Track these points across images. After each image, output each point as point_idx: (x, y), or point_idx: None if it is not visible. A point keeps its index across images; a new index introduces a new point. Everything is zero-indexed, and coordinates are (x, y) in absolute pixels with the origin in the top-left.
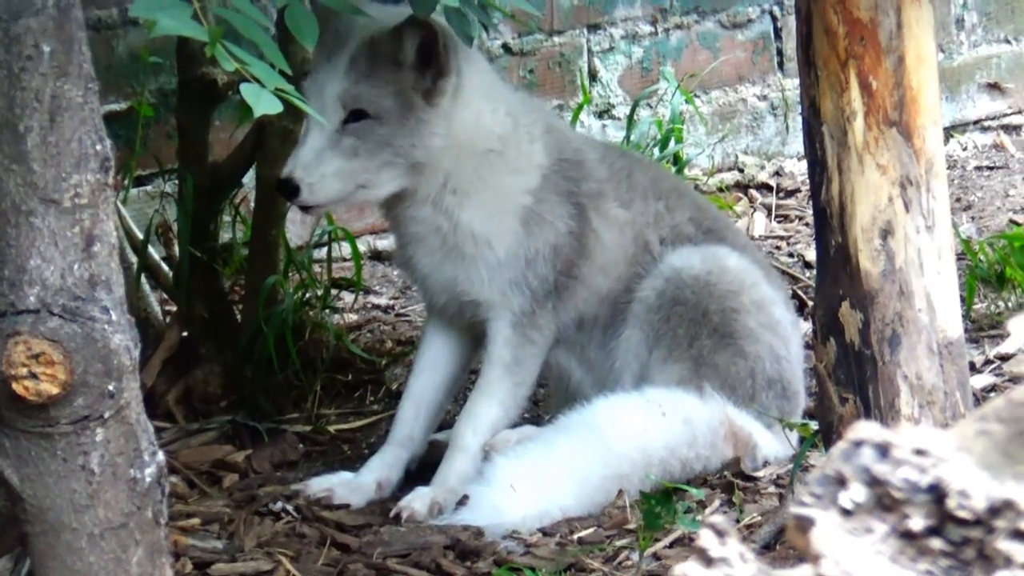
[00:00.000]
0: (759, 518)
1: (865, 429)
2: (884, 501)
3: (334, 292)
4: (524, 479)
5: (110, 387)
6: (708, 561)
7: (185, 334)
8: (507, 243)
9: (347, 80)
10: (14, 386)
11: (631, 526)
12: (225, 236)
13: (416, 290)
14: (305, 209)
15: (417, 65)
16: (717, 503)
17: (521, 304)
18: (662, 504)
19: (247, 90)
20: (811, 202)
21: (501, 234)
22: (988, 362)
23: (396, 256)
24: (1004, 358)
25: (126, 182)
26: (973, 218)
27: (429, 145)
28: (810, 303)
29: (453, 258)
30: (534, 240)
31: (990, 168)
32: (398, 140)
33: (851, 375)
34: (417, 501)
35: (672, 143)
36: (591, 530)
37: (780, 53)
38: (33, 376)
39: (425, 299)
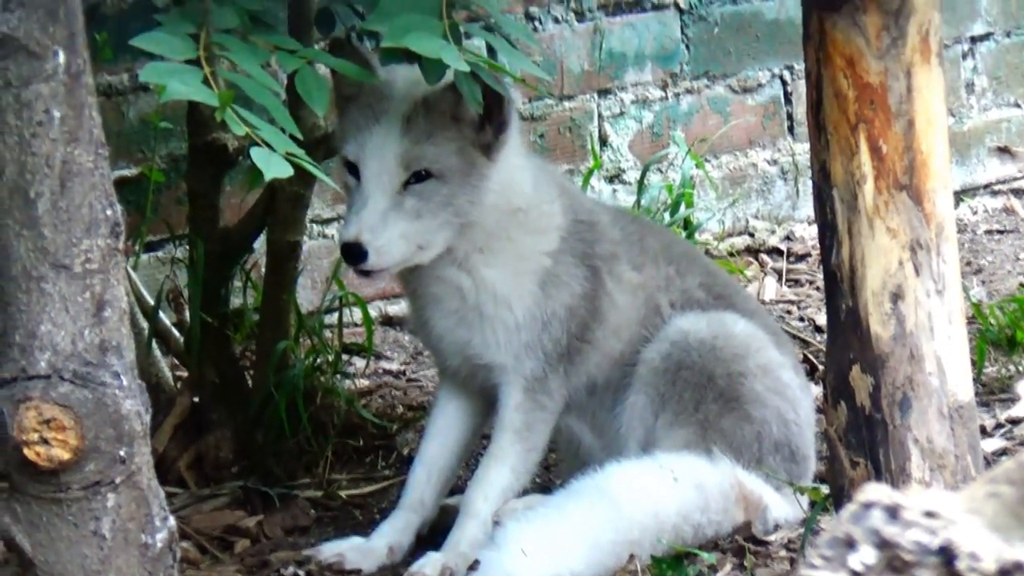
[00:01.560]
0: None
1: (875, 491)
2: (894, 563)
3: (345, 357)
4: (535, 544)
5: (121, 452)
6: None
7: (196, 399)
8: (526, 304)
9: (407, 141)
10: (26, 451)
11: None
12: (236, 301)
13: (428, 354)
14: (367, 274)
15: (477, 120)
16: (729, 567)
17: (533, 368)
18: (674, 569)
19: (257, 154)
20: (821, 266)
21: (521, 295)
22: (999, 426)
23: (409, 320)
24: (1015, 421)
25: (137, 247)
26: (983, 282)
27: (484, 202)
28: (821, 367)
29: (470, 320)
30: (551, 302)
31: (1000, 232)
32: (459, 199)
33: (862, 439)
34: (428, 566)
35: (683, 208)
36: None
37: (790, 117)
38: (44, 442)
39: (438, 363)
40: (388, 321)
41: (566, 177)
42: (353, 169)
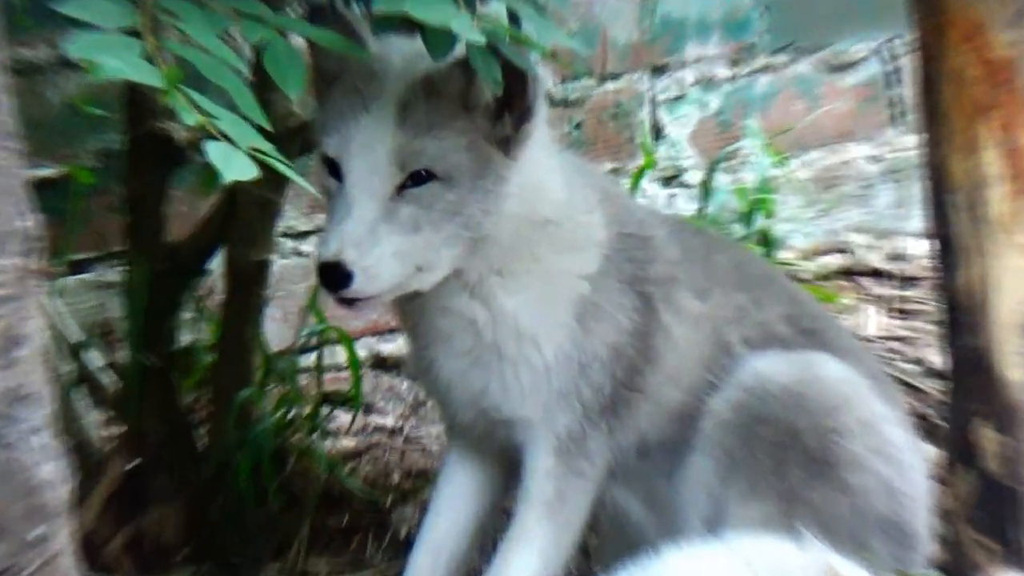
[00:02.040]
0: None
1: None
2: None
3: (326, 410)
4: None
5: (36, 532)
6: None
7: (134, 463)
8: (558, 342)
9: (403, 133)
10: None
11: None
12: (185, 337)
13: (433, 406)
14: (352, 303)
15: (494, 107)
16: None
17: (568, 424)
18: None
19: (214, 150)
20: (938, 293)
21: (551, 330)
22: None
23: (409, 362)
24: None
25: (59, 267)
26: None
27: (502, 211)
28: (938, 422)
29: (486, 362)
30: (591, 339)
31: None
32: (469, 207)
33: (990, 513)
34: None
35: (759, 218)
36: None
37: (896, 103)
38: None
39: (446, 418)
40: (381, 363)
41: (610, 179)
42: (335, 169)
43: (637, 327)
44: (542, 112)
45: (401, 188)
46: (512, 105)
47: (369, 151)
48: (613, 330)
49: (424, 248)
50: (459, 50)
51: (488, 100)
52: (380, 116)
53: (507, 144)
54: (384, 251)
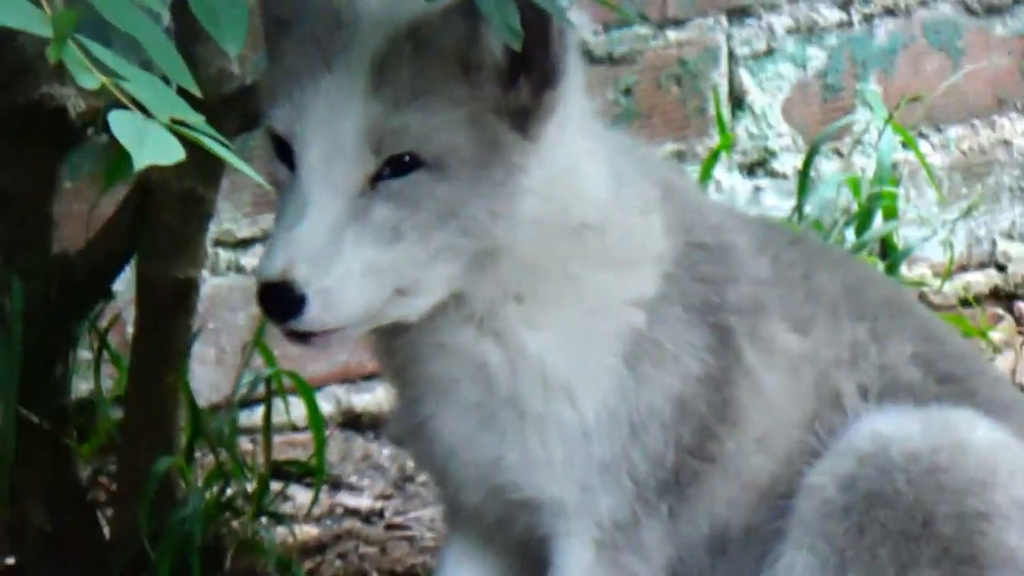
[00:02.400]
0: None
1: None
2: None
3: (277, 486)
4: None
5: None
6: None
7: (11, 561)
8: (600, 395)
9: (378, 103)
10: None
11: None
12: (82, 386)
13: (427, 482)
14: (306, 338)
15: (506, 67)
16: None
17: (614, 508)
18: None
19: (121, 123)
20: None
21: (592, 379)
22: None
23: (394, 420)
24: None
25: None
26: None
27: (517, 213)
28: None
29: (501, 421)
30: (646, 390)
31: None
32: (471, 206)
33: None
34: None
35: (878, 220)
36: None
37: None
38: None
39: (444, 498)
40: (353, 422)
41: (674, 167)
42: (286, 152)
43: (711, 373)
44: (575, 74)
45: (375, 179)
46: (531, 64)
47: (331, 127)
48: (678, 377)
49: (407, 263)
50: None
51: (498, 58)
52: (347, 78)
53: (524, 119)
54: (350, 266)
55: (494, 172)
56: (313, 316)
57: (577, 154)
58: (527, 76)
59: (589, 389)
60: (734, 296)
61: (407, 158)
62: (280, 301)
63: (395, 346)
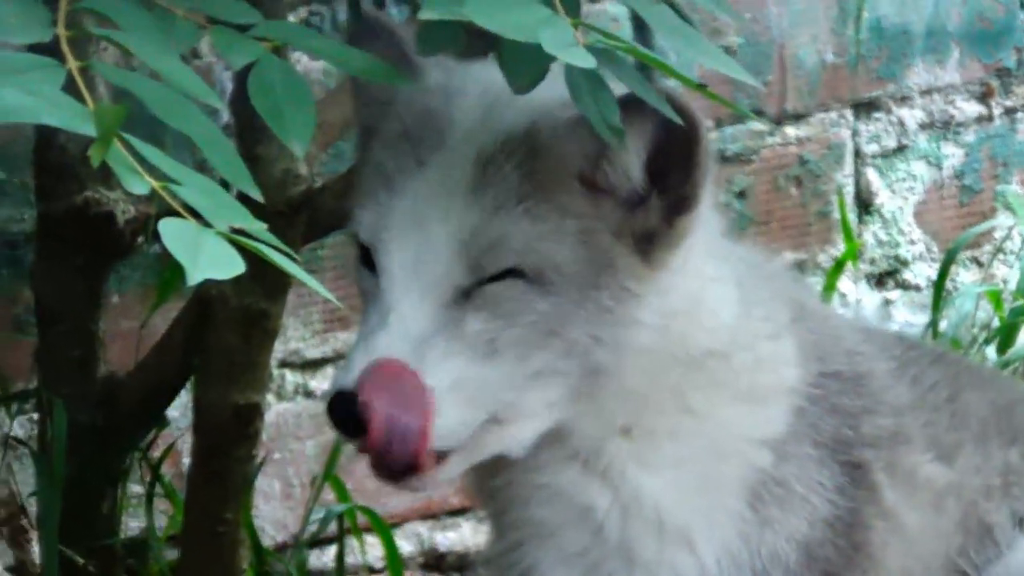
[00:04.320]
0: None
1: None
2: None
3: None
4: None
5: None
6: None
7: None
8: (721, 539)
9: (477, 205)
10: None
11: None
12: (132, 523)
13: None
14: (397, 475)
15: (639, 188)
16: None
17: None
18: None
19: (174, 233)
20: None
21: (712, 523)
22: None
23: (490, 564)
24: None
25: None
26: None
27: (625, 342)
28: None
29: (610, 571)
30: (769, 535)
31: None
32: (575, 327)
33: None
34: None
35: (1023, 335)
36: None
37: None
38: None
39: None
40: (437, 564)
41: (804, 285)
42: (370, 258)
43: (841, 515)
44: (709, 192)
45: (470, 291)
46: (667, 184)
47: (421, 228)
48: (805, 520)
49: (503, 382)
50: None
51: (633, 179)
52: (443, 177)
53: (649, 243)
54: (439, 380)
55: (602, 295)
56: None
57: (702, 280)
58: (660, 197)
59: (709, 533)
60: (870, 428)
61: (509, 270)
62: (352, 413)
63: (494, 487)
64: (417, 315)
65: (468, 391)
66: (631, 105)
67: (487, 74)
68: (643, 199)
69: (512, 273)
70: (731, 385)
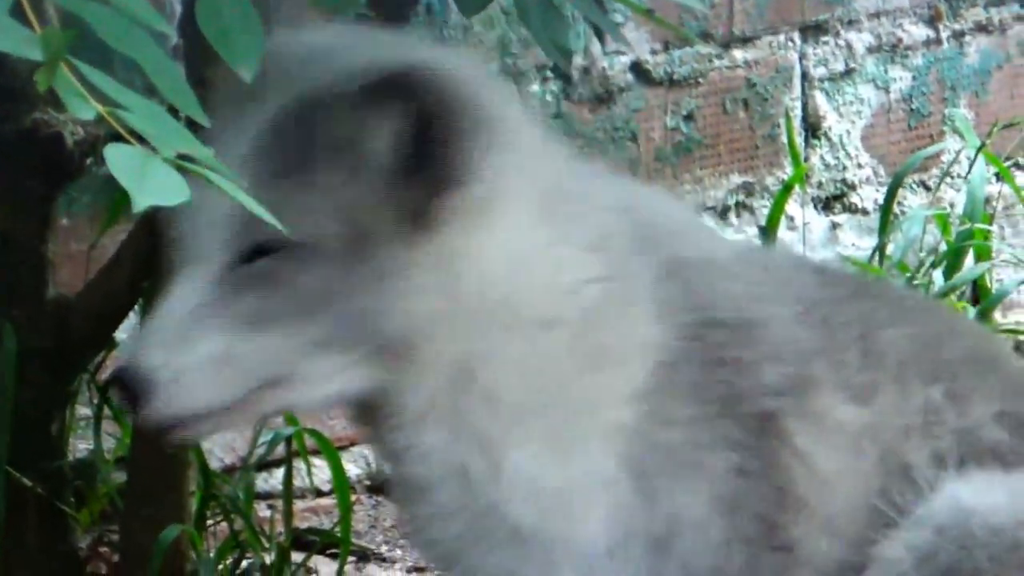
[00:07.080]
0: None
1: None
2: None
3: (297, 557)
4: None
5: None
6: None
7: None
8: (605, 508)
9: (252, 181)
10: None
11: None
12: (80, 445)
13: None
14: (163, 431)
15: (401, 163)
16: None
17: None
18: None
19: (120, 158)
20: None
21: (589, 489)
22: None
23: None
24: None
25: None
26: None
27: (416, 310)
28: None
29: (495, 537)
30: (664, 497)
31: None
32: (347, 298)
33: None
34: None
35: (969, 260)
36: None
37: None
38: None
39: None
40: (382, 486)
41: (692, 231)
42: None
43: (754, 465)
44: (511, 168)
45: (241, 262)
46: (430, 159)
47: (202, 204)
48: (703, 478)
49: (273, 353)
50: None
51: (383, 156)
52: (229, 146)
53: (422, 217)
54: (199, 354)
55: (372, 268)
56: (164, 403)
57: (524, 244)
58: (424, 174)
59: (588, 500)
60: (772, 377)
61: (271, 242)
62: (126, 386)
63: (382, 443)
64: (191, 289)
65: (232, 362)
66: (393, 81)
67: (318, 39)
68: (408, 175)
69: (280, 246)
70: (580, 350)
